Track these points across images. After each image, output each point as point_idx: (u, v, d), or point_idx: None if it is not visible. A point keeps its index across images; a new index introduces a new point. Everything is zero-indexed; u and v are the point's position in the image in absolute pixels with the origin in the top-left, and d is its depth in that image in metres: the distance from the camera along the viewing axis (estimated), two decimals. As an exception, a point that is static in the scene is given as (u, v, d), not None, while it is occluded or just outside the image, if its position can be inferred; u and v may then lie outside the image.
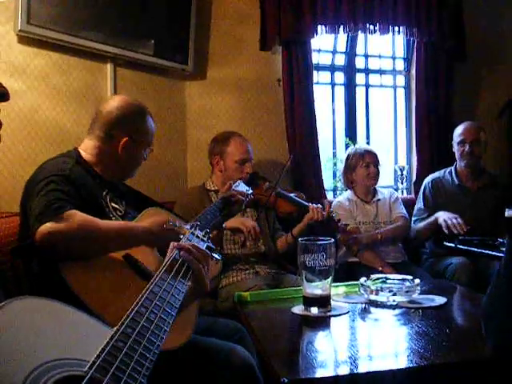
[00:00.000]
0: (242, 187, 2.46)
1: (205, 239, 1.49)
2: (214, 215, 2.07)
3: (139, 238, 1.65)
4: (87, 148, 1.93)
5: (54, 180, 1.65)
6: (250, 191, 2.49)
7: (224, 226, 2.53)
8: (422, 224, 3.38)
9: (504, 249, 2.45)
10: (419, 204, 3.51)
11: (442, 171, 3.53)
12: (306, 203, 2.98)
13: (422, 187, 3.54)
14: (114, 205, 1.86)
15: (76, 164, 1.82)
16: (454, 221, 3.06)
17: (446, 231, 3.08)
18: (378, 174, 3.36)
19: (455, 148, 3.45)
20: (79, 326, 0.92)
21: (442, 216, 3.15)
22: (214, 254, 1.47)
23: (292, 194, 3.07)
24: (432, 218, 3.26)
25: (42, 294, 0.96)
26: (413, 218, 3.46)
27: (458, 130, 3.42)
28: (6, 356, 0.77)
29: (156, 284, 1.10)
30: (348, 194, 3.46)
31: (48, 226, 1.48)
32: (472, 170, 3.41)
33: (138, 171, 2.09)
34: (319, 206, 2.94)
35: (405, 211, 3.42)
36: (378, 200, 3.40)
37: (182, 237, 1.41)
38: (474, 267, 2.99)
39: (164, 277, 1.14)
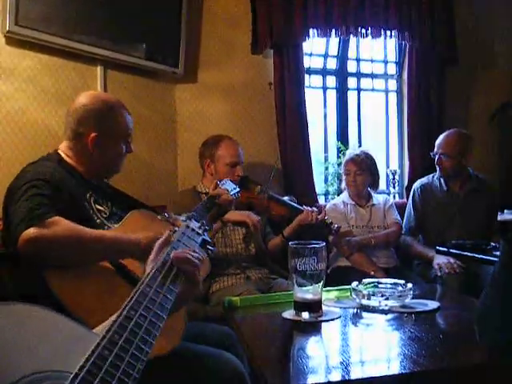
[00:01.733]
0: (228, 185, 2.43)
1: (200, 232, 1.44)
2: (201, 215, 2.04)
3: (126, 251, 1.60)
4: (65, 149, 1.90)
5: (36, 184, 1.62)
6: (237, 189, 2.46)
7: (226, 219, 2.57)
8: (415, 247, 3.35)
9: (497, 253, 2.45)
10: (408, 210, 3.50)
11: (431, 176, 3.51)
12: (300, 206, 2.98)
13: (411, 193, 3.53)
14: (98, 206, 1.83)
15: (58, 167, 1.78)
16: (449, 264, 3.01)
17: (438, 273, 3.05)
18: (360, 181, 3.33)
19: None
20: (63, 333, 0.87)
21: (439, 260, 3.08)
22: (209, 247, 1.43)
23: (285, 198, 3.06)
24: (428, 254, 3.20)
25: (27, 301, 0.91)
26: (403, 225, 3.44)
27: (437, 140, 3.41)
28: None
29: (147, 284, 1.05)
30: (343, 196, 3.45)
31: (30, 232, 1.45)
32: (451, 177, 3.39)
33: (121, 166, 2.03)
34: (314, 209, 2.94)
35: (399, 218, 3.42)
36: (373, 205, 3.40)
37: (176, 229, 1.37)
38: (465, 272, 2.98)
39: (156, 275, 1.09)
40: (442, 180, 3.42)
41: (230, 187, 2.42)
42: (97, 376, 0.77)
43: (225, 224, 2.85)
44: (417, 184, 3.54)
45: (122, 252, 1.58)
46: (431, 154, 3.39)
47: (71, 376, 0.76)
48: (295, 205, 3.02)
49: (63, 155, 1.88)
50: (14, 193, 1.63)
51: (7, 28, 2.59)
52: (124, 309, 0.94)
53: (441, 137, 3.39)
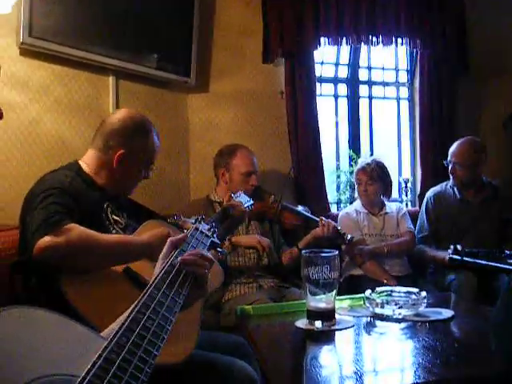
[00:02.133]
0: (242, 198, 2.44)
1: (209, 234, 1.44)
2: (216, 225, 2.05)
3: (139, 252, 1.61)
4: (88, 158, 1.92)
5: (54, 193, 1.63)
6: (251, 202, 2.46)
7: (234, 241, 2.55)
8: (428, 251, 3.31)
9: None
10: (421, 219, 3.47)
11: (444, 184, 3.48)
12: (315, 217, 2.97)
13: (424, 202, 3.50)
14: (114, 217, 1.84)
15: (76, 176, 1.80)
16: None
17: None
18: (371, 191, 3.32)
19: None
20: (72, 337, 0.87)
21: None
22: (219, 249, 1.43)
23: (299, 208, 3.07)
24: (441, 256, 3.15)
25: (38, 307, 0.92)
26: (416, 234, 3.42)
27: (451, 148, 3.38)
28: None
29: (155, 287, 1.05)
30: (356, 204, 3.44)
31: (46, 240, 1.46)
32: (465, 186, 3.37)
33: (134, 189, 2.05)
34: (329, 220, 2.94)
35: (412, 226, 3.40)
36: (386, 213, 3.38)
37: (185, 231, 1.37)
38: (479, 280, 2.95)
39: (164, 278, 1.09)
40: (455, 188, 3.39)
41: (243, 200, 2.42)
42: (104, 379, 0.77)
43: (235, 247, 2.84)
44: (430, 192, 3.51)
45: (136, 253, 1.59)
46: (445, 162, 3.37)
47: (78, 380, 0.76)
48: (309, 215, 3.02)
49: (83, 165, 1.90)
50: (31, 201, 1.65)
51: (21, 40, 2.61)
52: (132, 312, 0.94)
53: (454, 145, 3.36)
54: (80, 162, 1.92)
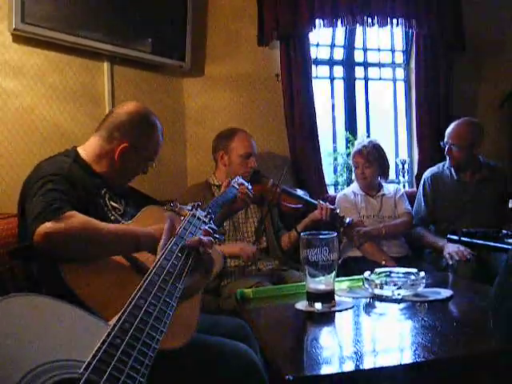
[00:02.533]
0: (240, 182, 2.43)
1: (206, 220, 1.44)
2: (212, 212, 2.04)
3: (141, 244, 1.60)
4: (89, 146, 1.92)
5: (52, 179, 1.63)
6: (250, 187, 2.46)
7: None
8: (427, 236, 3.33)
9: (509, 240, 2.44)
10: (419, 200, 3.48)
11: (441, 165, 3.48)
12: (314, 200, 2.98)
13: (422, 182, 3.50)
14: (113, 203, 1.84)
15: (74, 163, 1.79)
16: (460, 251, 2.99)
17: (449, 262, 3.02)
18: (368, 173, 3.31)
19: None
20: (76, 323, 0.88)
21: (450, 249, 3.04)
22: (216, 235, 1.43)
23: (298, 191, 3.07)
24: (439, 243, 3.17)
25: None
26: (414, 215, 3.42)
27: (447, 129, 3.37)
28: None
29: (155, 273, 1.05)
30: (354, 186, 3.44)
31: (47, 226, 1.45)
32: (461, 167, 3.36)
33: (129, 182, 2.05)
34: (327, 204, 2.94)
35: (409, 207, 3.40)
36: (383, 195, 3.38)
37: (182, 218, 1.37)
38: (477, 260, 2.96)
39: (163, 264, 1.09)
40: (452, 169, 3.39)
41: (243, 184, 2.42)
42: (109, 364, 0.78)
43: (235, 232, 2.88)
44: (427, 173, 3.51)
45: (138, 245, 1.58)
46: (441, 143, 3.36)
47: (84, 365, 0.77)
48: (308, 198, 3.03)
49: (82, 152, 1.90)
50: (29, 188, 1.64)
51: (14, 26, 2.58)
52: (133, 298, 0.94)
53: (451, 126, 3.35)
54: (78, 149, 1.91)
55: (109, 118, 1.94)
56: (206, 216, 1.47)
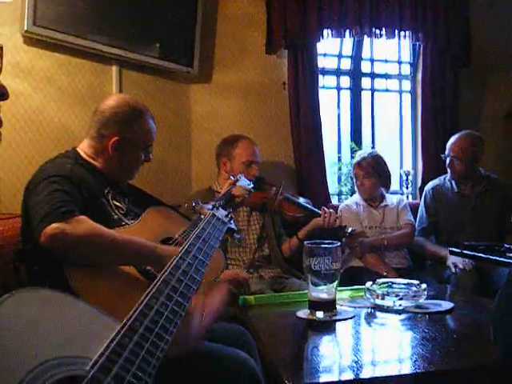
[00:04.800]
0: (243, 181, 2.42)
1: (226, 220, 1.44)
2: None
3: (147, 260, 1.58)
4: (85, 147, 1.92)
5: (57, 180, 1.63)
6: (252, 185, 2.45)
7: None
8: (429, 247, 3.34)
9: (511, 254, 2.44)
10: (421, 212, 3.49)
11: (442, 178, 3.49)
12: (316, 209, 2.98)
13: (423, 195, 3.52)
14: (116, 203, 1.84)
15: (75, 163, 1.80)
16: (463, 263, 3.00)
17: (453, 270, 3.03)
18: (367, 185, 3.31)
19: None
20: (84, 319, 0.88)
21: (453, 259, 3.05)
22: (236, 235, 1.43)
23: (301, 200, 3.07)
24: (441, 253, 3.19)
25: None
26: (416, 226, 3.43)
27: (448, 142, 3.39)
28: (2, 354, 0.74)
29: (169, 272, 1.04)
30: (356, 197, 3.45)
31: (54, 227, 1.45)
32: (462, 179, 3.37)
33: (137, 173, 2.04)
34: (331, 211, 2.93)
35: (412, 218, 3.39)
36: (386, 206, 3.37)
37: (202, 217, 1.37)
38: (478, 273, 2.97)
39: (178, 264, 1.08)
40: (453, 182, 3.41)
41: (244, 183, 2.40)
42: (116, 363, 0.78)
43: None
44: (428, 186, 3.52)
45: (143, 259, 1.58)
46: (442, 156, 3.38)
47: (91, 362, 0.77)
48: (311, 207, 3.02)
49: (81, 153, 1.90)
50: (33, 189, 1.64)
51: (25, 28, 2.62)
52: (146, 297, 0.94)
53: (452, 139, 3.36)
54: (78, 149, 1.92)
55: (95, 117, 1.92)
56: (226, 216, 1.47)
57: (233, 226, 1.45)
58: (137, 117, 1.94)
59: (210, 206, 1.50)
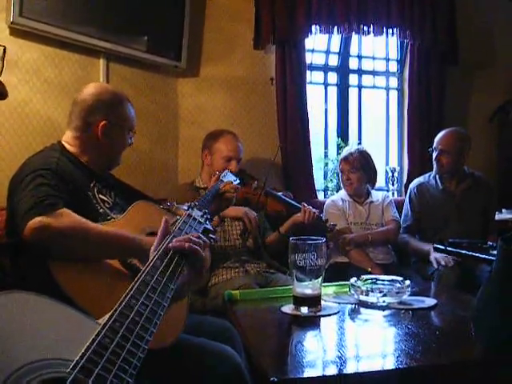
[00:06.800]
0: (229, 177, 2.41)
1: (202, 221, 1.44)
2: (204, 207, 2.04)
3: (131, 251, 1.59)
4: (69, 140, 1.90)
5: (42, 174, 1.62)
6: (238, 181, 2.44)
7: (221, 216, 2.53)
8: (412, 243, 3.35)
9: (494, 252, 2.47)
10: (406, 209, 3.51)
11: (427, 175, 3.52)
12: (298, 203, 2.98)
13: (408, 192, 3.54)
14: (101, 196, 1.83)
15: (61, 156, 1.79)
16: (445, 259, 3.02)
17: (435, 266, 3.05)
18: (354, 180, 3.32)
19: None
20: (65, 322, 0.87)
21: (435, 255, 3.07)
22: (211, 235, 1.43)
23: (280, 193, 3.06)
24: (425, 248, 3.21)
25: (28, 291, 0.91)
26: (401, 224, 3.45)
27: (437, 136, 3.42)
28: None
29: (148, 273, 1.05)
30: (342, 193, 3.46)
31: (38, 220, 1.45)
32: (447, 176, 3.41)
33: (120, 159, 2.04)
34: (310, 207, 2.94)
35: (397, 215, 3.42)
36: (371, 202, 3.39)
37: (178, 217, 1.37)
38: (461, 270, 2.99)
39: (157, 264, 1.09)
40: (437, 178, 3.43)
41: (231, 178, 2.40)
42: (98, 364, 0.77)
43: (223, 219, 2.88)
44: (413, 183, 3.55)
45: (127, 252, 1.58)
46: (429, 149, 3.40)
47: (72, 364, 0.76)
48: (292, 201, 3.02)
49: (66, 145, 1.89)
50: (19, 182, 1.63)
51: (11, 19, 2.59)
52: (125, 297, 0.94)
53: (441, 134, 3.40)
54: (63, 142, 1.91)
55: (76, 108, 1.91)
56: (202, 216, 1.47)
57: (209, 226, 1.45)
58: (120, 101, 1.96)
59: (186, 207, 1.50)
